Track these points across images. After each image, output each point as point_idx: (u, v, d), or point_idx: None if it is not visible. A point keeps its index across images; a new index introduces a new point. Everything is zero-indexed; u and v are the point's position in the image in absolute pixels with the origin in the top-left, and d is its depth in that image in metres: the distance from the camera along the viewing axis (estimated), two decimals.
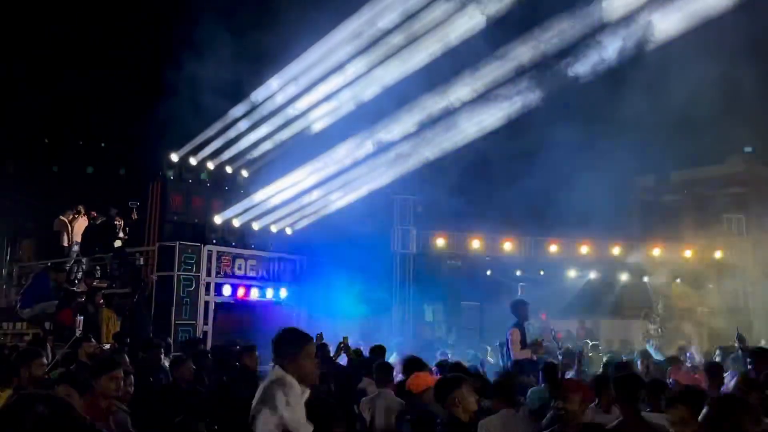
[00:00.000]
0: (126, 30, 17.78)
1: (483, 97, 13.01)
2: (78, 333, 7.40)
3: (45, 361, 5.75)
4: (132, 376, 6.13)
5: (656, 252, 18.96)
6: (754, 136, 20.46)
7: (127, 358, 6.92)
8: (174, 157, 14.00)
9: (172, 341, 10.75)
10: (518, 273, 18.32)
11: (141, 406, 6.13)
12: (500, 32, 12.26)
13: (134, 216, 15.03)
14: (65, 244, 15.32)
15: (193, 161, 14.36)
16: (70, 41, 17.74)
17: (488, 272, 18.50)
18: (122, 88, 18.08)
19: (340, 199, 14.99)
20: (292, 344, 4.07)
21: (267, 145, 14.92)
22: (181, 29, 14.78)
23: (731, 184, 23.30)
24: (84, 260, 14.29)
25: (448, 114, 13.48)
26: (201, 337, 11.95)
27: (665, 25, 11.32)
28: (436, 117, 13.56)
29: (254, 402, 3.97)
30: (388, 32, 12.86)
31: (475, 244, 18.32)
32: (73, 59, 17.95)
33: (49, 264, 13.70)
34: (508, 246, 18.46)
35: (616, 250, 18.92)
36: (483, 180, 17.47)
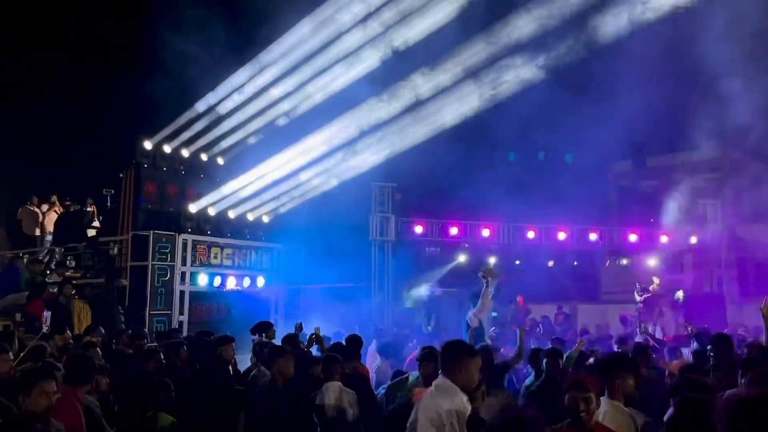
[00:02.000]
0: (99, 12, 17.40)
1: (459, 85, 12.99)
2: (45, 328, 7.23)
3: (11, 355, 5.60)
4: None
5: (633, 237, 19.13)
6: (728, 121, 20.62)
7: (99, 351, 6.78)
8: (148, 145, 13.78)
9: (146, 331, 10.63)
10: (492, 260, 18.36)
11: (112, 399, 6.04)
12: (476, 19, 12.22)
13: (108, 205, 14.82)
14: (36, 233, 15.06)
15: (167, 148, 14.15)
16: (39, 22, 17.36)
17: (462, 258, 18.50)
18: (94, 72, 17.73)
19: (317, 187, 14.89)
20: (461, 356, 4.29)
21: (243, 132, 14.76)
22: (156, 13, 14.48)
23: (707, 169, 23.51)
24: (57, 250, 14.06)
25: (427, 101, 13.43)
26: (177, 327, 11.83)
27: (645, 11, 11.36)
28: (415, 104, 13.51)
29: (418, 410, 4.18)
30: (364, 18, 12.77)
31: (454, 230, 18.37)
32: (43, 41, 17.56)
33: (20, 254, 13.45)
34: (486, 232, 18.51)
35: (593, 236, 19.04)
36: (461, 166, 17.44)
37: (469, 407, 4.16)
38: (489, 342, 9.13)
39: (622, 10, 11.50)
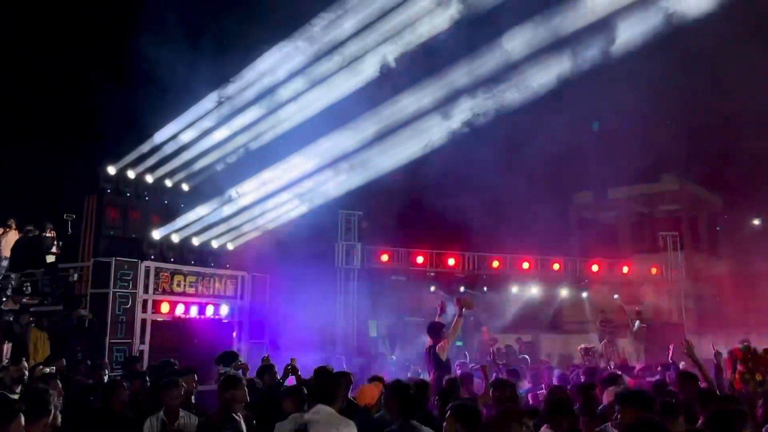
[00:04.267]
0: (65, 39, 17.21)
1: (424, 118, 13.22)
2: (5, 360, 7.01)
3: None
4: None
5: (595, 268, 19.44)
6: (686, 156, 21.27)
7: (59, 383, 6.57)
8: (111, 170, 13.56)
9: (106, 361, 10.37)
10: (462, 289, 18.45)
11: None
12: (441, 54, 12.51)
13: (69, 230, 14.48)
14: None
15: (131, 174, 13.92)
16: (5, 46, 17.09)
17: (432, 288, 18.57)
18: (58, 97, 17.48)
19: (283, 215, 14.82)
20: None
21: (209, 159, 14.65)
22: (122, 40, 14.41)
23: (665, 201, 24.13)
24: (13, 276, 13.64)
25: (392, 132, 13.60)
26: (137, 355, 11.55)
27: (602, 49, 11.74)
28: (382, 135, 13.66)
29: None
30: (333, 49, 12.92)
31: (420, 259, 18.46)
32: (9, 65, 17.28)
33: None
34: (452, 261, 18.64)
35: (556, 266, 19.30)
36: (428, 196, 17.57)
37: None
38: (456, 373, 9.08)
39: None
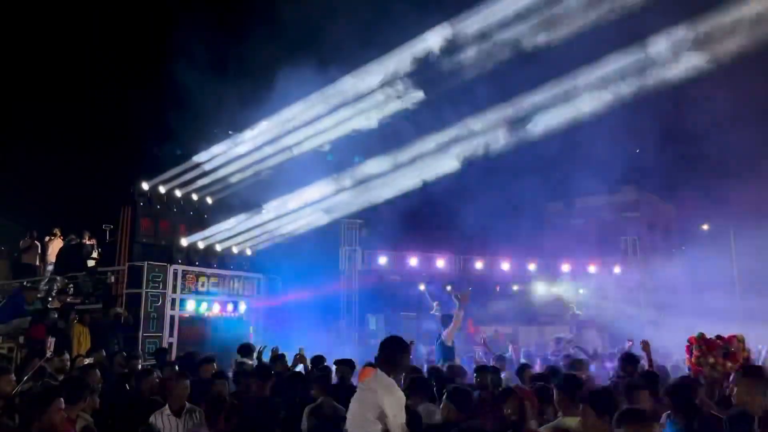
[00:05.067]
0: (112, 75, 17.30)
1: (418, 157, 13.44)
2: (49, 353, 6.98)
3: (13, 377, 5.38)
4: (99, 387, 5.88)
5: (565, 267, 19.43)
6: (644, 168, 21.33)
7: (98, 372, 6.57)
8: (144, 186, 13.58)
9: (140, 352, 10.36)
10: (449, 288, 18.39)
11: (106, 416, 5.84)
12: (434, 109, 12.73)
13: (107, 238, 14.52)
14: (36, 263, 14.63)
15: (162, 189, 13.95)
16: (56, 67, 17.16)
17: (421, 287, 18.53)
18: (100, 122, 17.56)
19: (294, 224, 14.84)
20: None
21: (229, 179, 14.70)
22: (157, 77, 14.51)
23: (626, 209, 24.19)
24: (58, 279, 13.65)
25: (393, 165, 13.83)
26: (167, 347, 11.55)
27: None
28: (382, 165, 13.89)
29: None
30: (335, 108, 13.16)
31: (413, 261, 18.46)
32: (55, 85, 17.34)
33: (24, 283, 13.03)
34: (441, 263, 18.64)
35: (531, 266, 19.29)
36: (420, 207, 17.61)
37: None
38: (457, 361, 9.07)
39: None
